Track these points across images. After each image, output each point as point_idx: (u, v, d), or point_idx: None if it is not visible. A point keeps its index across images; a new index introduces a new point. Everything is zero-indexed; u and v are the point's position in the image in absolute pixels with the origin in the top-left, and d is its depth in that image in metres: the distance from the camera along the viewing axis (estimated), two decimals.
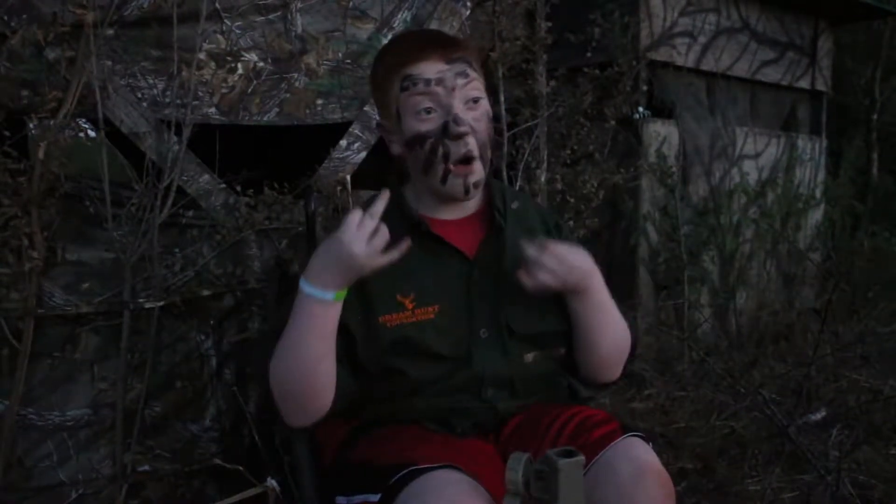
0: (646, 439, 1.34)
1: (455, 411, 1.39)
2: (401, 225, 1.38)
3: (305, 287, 1.27)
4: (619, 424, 1.36)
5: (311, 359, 1.29)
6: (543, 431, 1.37)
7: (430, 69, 1.34)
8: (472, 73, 1.37)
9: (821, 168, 5.12)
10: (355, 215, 1.26)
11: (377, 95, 1.44)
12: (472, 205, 1.47)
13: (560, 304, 1.45)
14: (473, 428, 1.41)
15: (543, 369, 1.47)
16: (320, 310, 1.28)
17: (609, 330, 1.46)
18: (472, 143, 1.35)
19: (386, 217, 1.34)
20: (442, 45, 1.37)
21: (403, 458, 1.24)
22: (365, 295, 1.36)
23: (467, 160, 1.36)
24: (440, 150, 1.35)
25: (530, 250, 1.34)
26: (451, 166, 1.35)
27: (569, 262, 1.35)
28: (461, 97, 1.35)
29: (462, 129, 1.33)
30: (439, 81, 1.34)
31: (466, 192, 1.38)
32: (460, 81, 1.35)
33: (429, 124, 1.35)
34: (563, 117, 3.37)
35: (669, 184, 3.99)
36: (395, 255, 1.28)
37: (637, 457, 1.27)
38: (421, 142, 1.35)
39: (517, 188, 2.92)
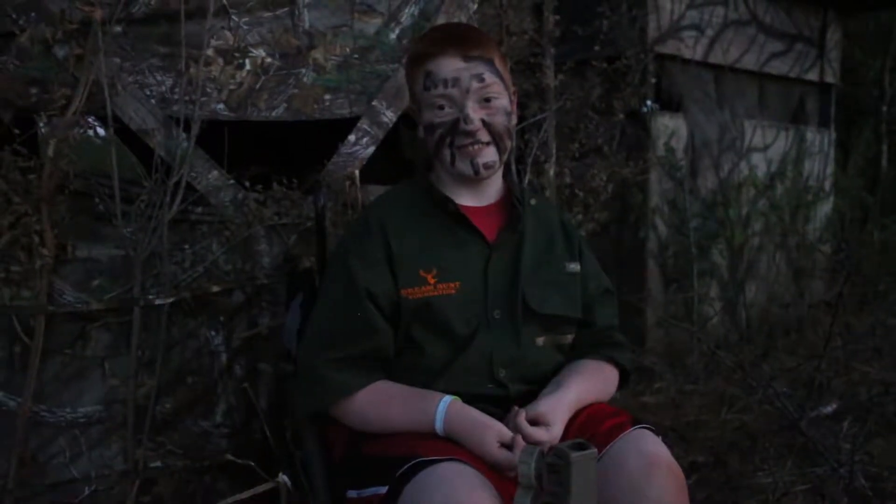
0: (656, 432, 1.35)
1: (469, 396, 1.39)
2: (428, 204, 1.48)
3: (438, 423, 1.33)
4: (629, 417, 1.37)
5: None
6: None
7: (447, 67, 1.42)
8: (490, 77, 1.43)
9: (830, 160, 5.09)
10: (519, 443, 1.27)
11: (408, 83, 1.53)
12: (493, 194, 1.54)
13: (573, 291, 1.52)
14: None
15: (553, 354, 1.50)
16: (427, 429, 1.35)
17: (594, 397, 1.48)
18: (480, 133, 1.43)
19: (414, 200, 1.48)
20: (459, 42, 1.43)
21: (410, 450, 1.26)
22: (391, 268, 1.42)
23: (476, 143, 1.43)
24: (447, 139, 1.44)
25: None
26: (457, 149, 1.44)
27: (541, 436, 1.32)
28: (476, 97, 1.42)
29: (470, 127, 1.42)
30: (455, 82, 1.41)
31: (476, 171, 1.45)
32: (475, 84, 1.42)
33: (441, 117, 1.44)
34: (571, 111, 3.37)
35: (678, 177, 3.98)
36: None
37: (647, 449, 1.28)
38: (432, 131, 1.46)
39: (526, 182, 2.92)
